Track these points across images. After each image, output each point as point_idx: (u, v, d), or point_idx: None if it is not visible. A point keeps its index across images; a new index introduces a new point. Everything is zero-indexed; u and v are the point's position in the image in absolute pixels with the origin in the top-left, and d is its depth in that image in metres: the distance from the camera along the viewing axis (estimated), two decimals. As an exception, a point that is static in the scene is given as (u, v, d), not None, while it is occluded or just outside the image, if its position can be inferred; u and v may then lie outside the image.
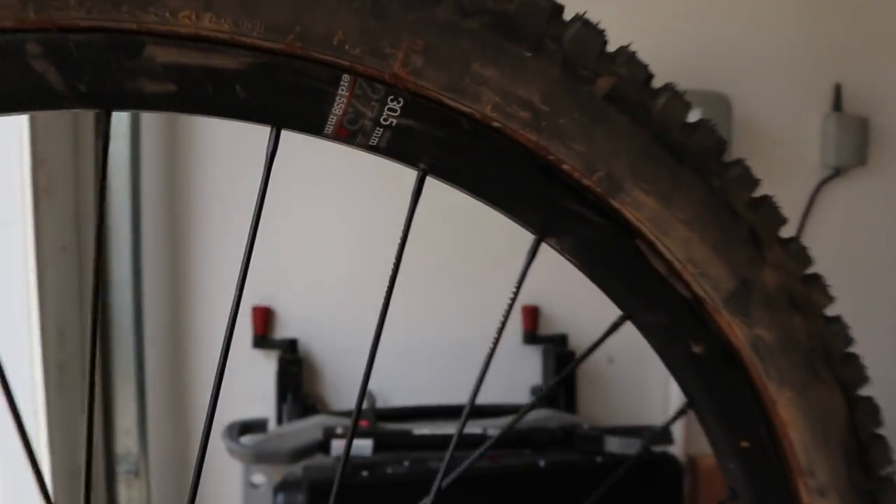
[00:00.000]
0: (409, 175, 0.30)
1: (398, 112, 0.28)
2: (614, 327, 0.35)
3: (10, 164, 1.09)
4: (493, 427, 1.13)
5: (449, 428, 1.13)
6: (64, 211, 1.20)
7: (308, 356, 1.32)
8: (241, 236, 0.31)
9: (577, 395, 1.39)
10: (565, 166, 0.30)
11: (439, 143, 0.29)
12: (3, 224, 1.10)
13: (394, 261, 0.33)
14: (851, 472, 0.35)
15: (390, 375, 1.35)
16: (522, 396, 1.38)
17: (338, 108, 0.28)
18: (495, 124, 0.29)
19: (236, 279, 0.30)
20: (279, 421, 1.25)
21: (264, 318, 1.30)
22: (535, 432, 1.14)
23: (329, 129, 0.28)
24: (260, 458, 1.05)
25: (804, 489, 0.34)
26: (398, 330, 1.35)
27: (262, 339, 1.29)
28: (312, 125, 0.28)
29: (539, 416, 1.23)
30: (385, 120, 0.28)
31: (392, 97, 0.28)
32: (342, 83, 0.27)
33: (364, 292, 1.33)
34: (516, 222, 0.32)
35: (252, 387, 1.30)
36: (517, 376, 1.38)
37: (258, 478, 1.16)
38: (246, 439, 1.12)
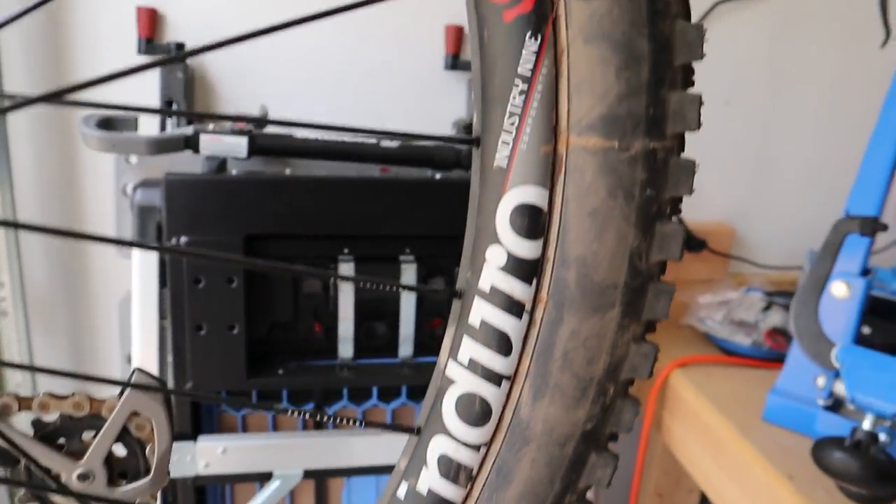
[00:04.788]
0: None
1: None
2: None
3: None
4: (389, 141, 1.00)
5: (338, 138, 1.00)
6: None
7: (200, 68, 1.17)
8: None
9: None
10: None
11: None
12: None
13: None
14: None
15: (292, 102, 1.21)
16: (443, 131, 1.24)
17: None
18: None
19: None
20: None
21: (150, 20, 1.14)
22: (439, 150, 1.01)
23: None
24: (114, 144, 0.92)
25: None
26: (303, 46, 1.19)
27: (149, 43, 1.14)
28: None
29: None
30: None
31: None
32: None
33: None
34: None
35: (139, 99, 1.16)
36: (438, 108, 1.24)
37: (129, 182, 1.04)
38: (108, 134, 0.99)
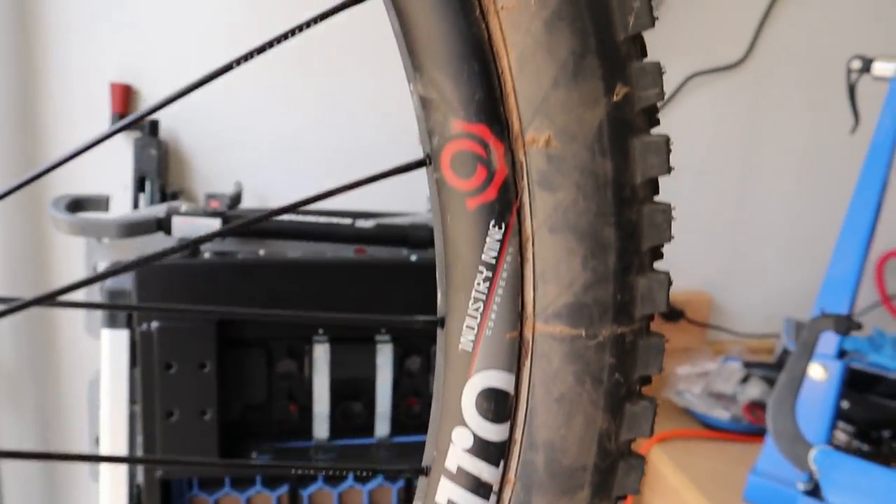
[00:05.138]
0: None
1: None
2: None
3: None
4: (364, 220, 1.00)
5: (313, 219, 0.99)
6: None
7: (174, 143, 1.16)
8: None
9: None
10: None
11: None
12: None
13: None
14: None
15: (272, 176, 1.20)
16: (422, 208, 1.23)
17: None
18: None
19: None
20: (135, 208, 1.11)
21: (124, 97, 1.13)
22: (414, 229, 1.01)
23: None
24: (83, 228, 0.90)
25: None
26: (283, 123, 1.19)
27: (122, 119, 1.13)
28: None
29: (427, 217, 1.09)
30: None
31: None
32: None
33: (239, 72, 1.16)
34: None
35: (112, 175, 1.15)
36: (418, 185, 1.23)
37: (100, 263, 1.03)
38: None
